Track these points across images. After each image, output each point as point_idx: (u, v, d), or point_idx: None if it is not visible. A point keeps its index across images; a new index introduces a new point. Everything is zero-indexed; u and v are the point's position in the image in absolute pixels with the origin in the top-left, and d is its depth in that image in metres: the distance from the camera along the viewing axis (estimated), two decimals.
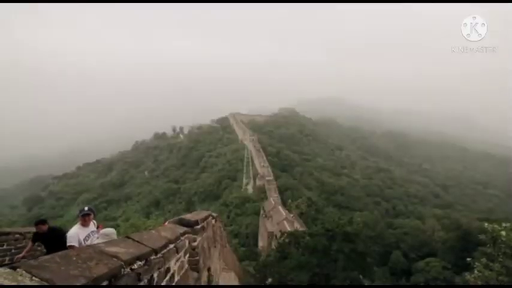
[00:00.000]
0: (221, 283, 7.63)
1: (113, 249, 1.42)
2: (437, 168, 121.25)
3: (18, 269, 0.95)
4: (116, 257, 1.34)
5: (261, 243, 44.80)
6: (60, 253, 1.20)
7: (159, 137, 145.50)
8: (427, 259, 39.86)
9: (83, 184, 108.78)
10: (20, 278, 0.89)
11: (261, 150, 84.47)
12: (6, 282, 0.83)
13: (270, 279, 20.65)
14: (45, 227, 5.32)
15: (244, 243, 47.37)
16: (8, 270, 0.93)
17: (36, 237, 5.39)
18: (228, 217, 56.07)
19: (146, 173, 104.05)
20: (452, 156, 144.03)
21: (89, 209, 5.06)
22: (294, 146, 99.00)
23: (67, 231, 5.44)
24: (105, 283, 1.13)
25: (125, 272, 1.33)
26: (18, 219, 74.17)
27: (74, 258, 1.14)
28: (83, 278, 1.00)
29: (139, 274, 1.47)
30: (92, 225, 5.06)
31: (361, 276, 19.47)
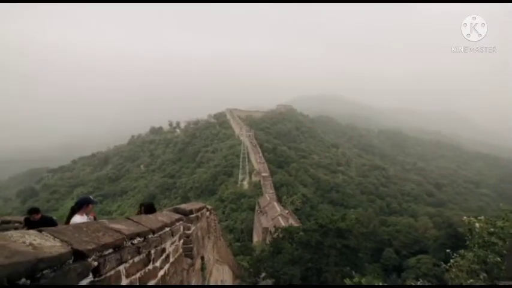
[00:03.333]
0: (215, 274, 7.87)
1: (116, 226, 1.63)
2: (432, 166, 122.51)
3: (43, 232, 1.16)
4: (119, 231, 1.55)
5: (256, 238, 45.25)
6: (72, 224, 1.41)
7: (156, 131, 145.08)
8: (419, 256, 40.59)
9: (78, 178, 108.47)
10: (45, 237, 1.11)
11: (257, 146, 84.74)
12: (38, 240, 1.05)
13: (263, 274, 21.01)
14: (38, 216, 5.37)
15: (239, 239, 47.79)
16: (35, 232, 1.13)
17: (29, 224, 5.39)
18: (224, 212, 56.45)
19: (142, 167, 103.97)
20: (447, 155, 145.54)
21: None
22: (290, 142, 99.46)
23: (59, 223, 5.65)
24: (110, 250, 1.34)
25: (127, 244, 1.54)
26: (12, 212, 73.89)
27: (85, 229, 1.35)
28: (93, 243, 1.22)
29: (139, 248, 1.69)
30: (85, 215, 5.25)
31: (353, 272, 19.86)
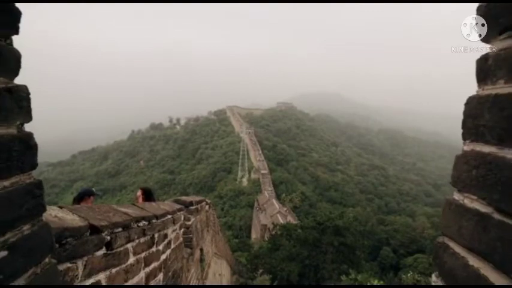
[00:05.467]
0: (213, 267, 8.04)
1: (123, 209, 1.77)
2: (431, 167, 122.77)
3: (63, 208, 1.30)
4: (127, 214, 1.69)
5: (254, 235, 45.53)
6: (85, 205, 1.56)
7: (156, 127, 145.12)
8: (415, 255, 40.85)
9: (78, 172, 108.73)
10: (66, 212, 1.25)
11: (257, 143, 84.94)
12: (60, 214, 1.19)
13: (261, 270, 21.20)
14: None
15: (237, 235, 48.02)
16: (57, 207, 1.27)
17: None
18: (222, 209, 56.70)
19: (142, 162, 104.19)
20: (446, 156, 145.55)
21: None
22: (290, 140, 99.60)
23: None
24: (120, 229, 1.48)
25: (134, 226, 1.69)
26: None
27: (97, 210, 1.49)
28: (106, 221, 1.36)
29: (144, 230, 1.84)
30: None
31: (349, 270, 19.97)
